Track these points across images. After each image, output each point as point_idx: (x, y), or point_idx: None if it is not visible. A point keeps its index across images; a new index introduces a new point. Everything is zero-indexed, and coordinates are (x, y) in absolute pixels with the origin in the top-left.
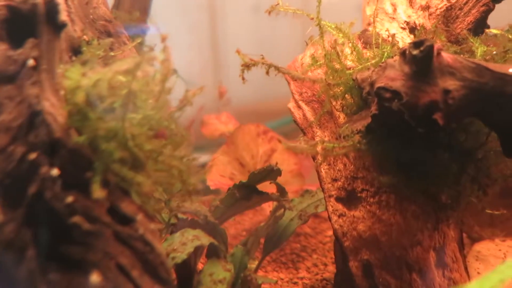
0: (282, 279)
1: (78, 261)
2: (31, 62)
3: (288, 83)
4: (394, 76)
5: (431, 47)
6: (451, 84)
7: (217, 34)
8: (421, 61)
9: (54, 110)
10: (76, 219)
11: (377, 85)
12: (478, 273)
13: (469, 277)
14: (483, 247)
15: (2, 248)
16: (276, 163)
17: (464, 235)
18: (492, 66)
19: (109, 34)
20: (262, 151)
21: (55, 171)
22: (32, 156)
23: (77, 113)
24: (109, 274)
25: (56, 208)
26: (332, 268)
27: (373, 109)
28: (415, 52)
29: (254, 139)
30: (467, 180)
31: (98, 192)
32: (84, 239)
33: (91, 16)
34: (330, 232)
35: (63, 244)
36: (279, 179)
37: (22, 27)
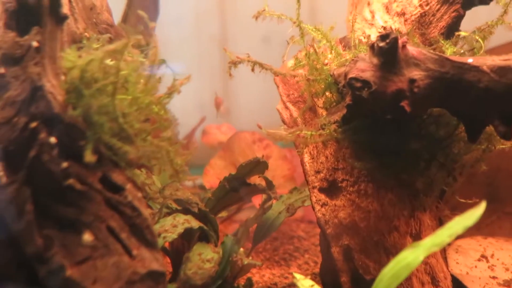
0: (274, 274)
1: (72, 221)
2: (35, 43)
3: (277, 86)
4: (364, 68)
5: (396, 39)
6: (416, 74)
7: (227, 63)
8: (387, 52)
9: (54, 90)
10: (70, 181)
11: (349, 76)
12: (457, 263)
13: (446, 265)
14: (464, 242)
15: (4, 205)
16: (263, 156)
17: None
18: (452, 57)
19: (109, 38)
20: None
21: (52, 139)
22: (33, 124)
23: (73, 91)
24: (99, 235)
25: (53, 171)
26: None
27: (348, 99)
28: (381, 44)
29: (249, 145)
30: (436, 166)
31: (89, 156)
32: (78, 201)
33: (94, 20)
34: None
35: (58, 205)
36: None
37: (28, 17)
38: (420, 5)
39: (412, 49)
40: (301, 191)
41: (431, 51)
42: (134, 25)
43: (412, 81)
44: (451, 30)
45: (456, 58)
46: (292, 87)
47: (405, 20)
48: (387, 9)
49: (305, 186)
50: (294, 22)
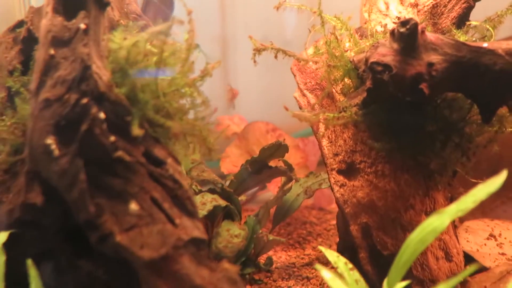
0: (290, 255)
1: (119, 192)
2: (83, 26)
3: (294, 75)
4: (385, 52)
5: (416, 25)
6: (434, 58)
7: (227, 64)
8: (407, 37)
9: (99, 71)
10: (119, 153)
11: (371, 60)
12: (468, 241)
13: (458, 242)
14: (472, 223)
15: (58, 176)
16: (284, 139)
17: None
18: (468, 42)
19: (140, 27)
20: None
21: (101, 114)
22: (84, 100)
23: (118, 71)
24: (144, 205)
25: (103, 143)
26: (336, 248)
27: (368, 83)
28: (402, 29)
29: (263, 135)
30: (451, 147)
31: (136, 130)
32: (124, 173)
33: (125, 10)
34: (334, 221)
35: (107, 176)
36: None
37: (74, 3)
38: None
39: (430, 35)
40: (317, 175)
41: (448, 36)
42: (152, 18)
43: (430, 64)
44: (461, 20)
45: (472, 43)
46: (309, 75)
47: (418, 11)
48: (401, 0)
49: (320, 171)
50: (314, 12)
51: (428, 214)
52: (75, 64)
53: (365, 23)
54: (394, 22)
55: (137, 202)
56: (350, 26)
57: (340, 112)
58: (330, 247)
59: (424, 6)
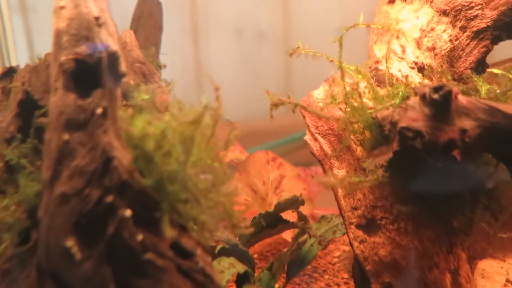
0: None
1: None
2: (99, 110)
3: (304, 117)
4: (416, 117)
5: (450, 92)
6: (467, 124)
7: (200, 58)
8: (440, 104)
9: (119, 154)
10: (149, 255)
11: (400, 125)
12: None
13: None
14: (486, 265)
15: (82, 282)
16: (301, 194)
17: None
18: (502, 107)
19: (144, 75)
20: (272, 178)
21: (128, 212)
22: (109, 199)
23: (143, 158)
24: None
25: (131, 246)
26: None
27: (395, 145)
28: (435, 96)
29: (264, 166)
30: (479, 208)
31: (169, 231)
32: (154, 273)
33: (129, 59)
34: (338, 253)
35: (136, 278)
36: None
37: (87, 77)
38: (450, 40)
39: (462, 98)
40: (329, 219)
41: (480, 99)
42: (143, 47)
43: (463, 131)
44: (479, 64)
45: (506, 108)
46: (321, 119)
47: (435, 55)
48: (418, 44)
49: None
50: (332, 61)
51: (451, 272)
52: (95, 153)
53: (377, 62)
54: (410, 67)
55: None
56: (370, 78)
57: (360, 169)
58: (338, 286)
59: (441, 50)
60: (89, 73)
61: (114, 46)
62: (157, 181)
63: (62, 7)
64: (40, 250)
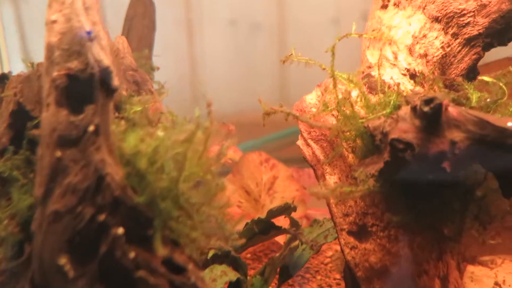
0: None
1: None
2: (92, 128)
3: (298, 122)
4: (406, 129)
5: (440, 105)
6: (457, 136)
7: (194, 48)
8: (431, 117)
9: (112, 170)
10: (142, 273)
11: (391, 136)
12: None
13: None
14: (475, 268)
15: None
16: (293, 201)
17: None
18: (491, 119)
19: (137, 83)
20: (265, 179)
21: (120, 230)
22: (102, 217)
23: (135, 174)
24: None
25: (124, 264)
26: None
27: (386, 156)
28: (426, 109)
29: (257, 167)
30: (469, 217)
31: (161, 250)
32: None
33: (122, 67)
34: (330, 252)
35: None
36: None
37: (79, 93)
38: (442, 47)
39: (452, 110)
40: (321, 223)
41: (470, 111)
42: (136, 49)
43: (453, 143)
44: (470, 71)
45: (496, 121)
46: (313, 127)
47: (427, 61)
48: (410, 50)
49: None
50: (324, 69)
51: (441, 278)
52: (87, 170)
53: (369, 67)
54: (402, 74)
55: None
56: (362, 86)
57: (350, 177)
58: (330, 287)
59: (433, 57)
60: (81, 88)
61: (106, 61)
62: (149, 198)
63: (54, 21)
64: (33, 265)
